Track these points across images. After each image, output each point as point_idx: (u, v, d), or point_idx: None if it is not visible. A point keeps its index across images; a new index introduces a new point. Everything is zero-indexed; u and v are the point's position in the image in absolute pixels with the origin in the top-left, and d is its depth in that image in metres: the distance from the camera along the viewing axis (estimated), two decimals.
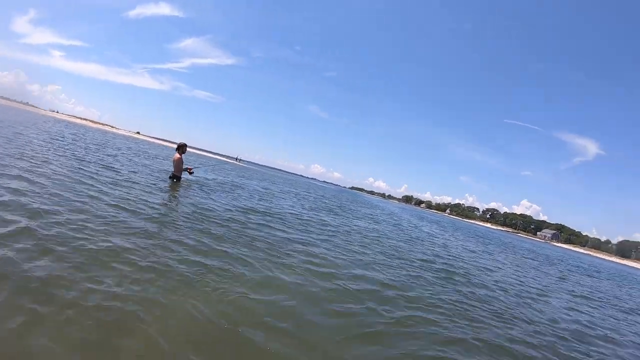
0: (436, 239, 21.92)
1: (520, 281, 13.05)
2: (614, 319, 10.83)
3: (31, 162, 11.37)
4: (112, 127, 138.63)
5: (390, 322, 5.56)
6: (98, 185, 10.40)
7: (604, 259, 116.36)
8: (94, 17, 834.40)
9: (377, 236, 15.38)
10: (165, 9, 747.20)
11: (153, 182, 13.71)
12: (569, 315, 9.47)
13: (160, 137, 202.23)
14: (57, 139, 23.58)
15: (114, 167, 15.27)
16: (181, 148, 14.17)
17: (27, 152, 13.36)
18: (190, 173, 15.49)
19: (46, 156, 13.70)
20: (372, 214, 30.10)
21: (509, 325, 6.96)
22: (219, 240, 7.76)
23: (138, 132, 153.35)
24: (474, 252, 20.17)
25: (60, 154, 15.85)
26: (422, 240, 18.75)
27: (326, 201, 30.94)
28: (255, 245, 8.11)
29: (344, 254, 9.69)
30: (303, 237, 10.60)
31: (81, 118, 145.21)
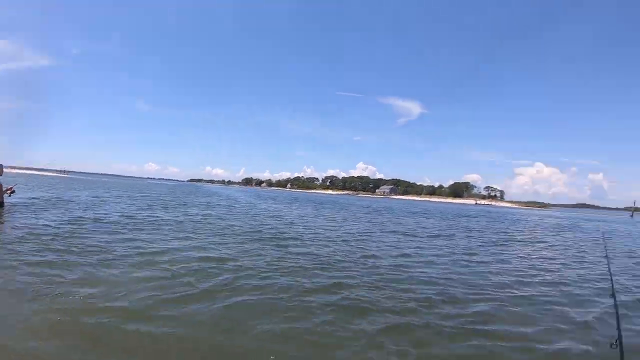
0: (269, 212, 23.96)
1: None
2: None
3: None
4: None
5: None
6: None
7: (439, 202, 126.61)
8: None
9: (208, 220, 16.21)
10: None
11: None
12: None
13: None
14: None
15: None
16: None
17: None
18: (11, 194, 14.14)
19: None
20: (207, 202, 30.75)
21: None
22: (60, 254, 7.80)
23: None
24: (303, 216, 22.04)
25: None
26: (254, 216, 20.44)
27: (163, 199, 30.61)
28: (86, 251, 8.20)
29: (174, 241, 10.27)
30: (135, 235, 10.75)
31: None
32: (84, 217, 13.27)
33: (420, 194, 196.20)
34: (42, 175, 74.05)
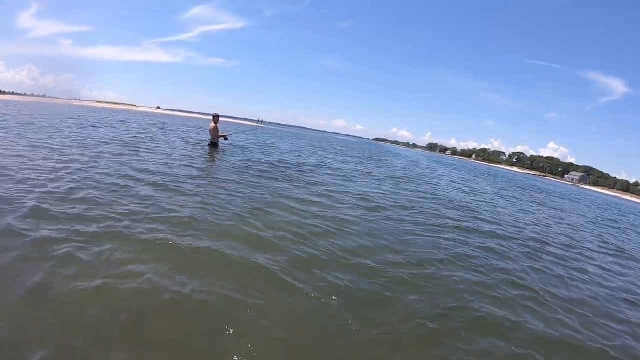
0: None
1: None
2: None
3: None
4: (132, 105, 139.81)
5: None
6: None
7: (630, 200, 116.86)
8: (97, 0, 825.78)
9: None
10: None
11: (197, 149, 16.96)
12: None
13: (179, 109, 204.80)
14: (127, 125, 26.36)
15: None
16: (215, 118, 16.94)
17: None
18: (226, 139, 18.10)
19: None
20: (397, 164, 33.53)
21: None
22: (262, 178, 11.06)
23: (158, 107, 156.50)
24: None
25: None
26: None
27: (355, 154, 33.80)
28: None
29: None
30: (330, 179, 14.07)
31: (100, 102, 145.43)
32: (285, 161, 16.95)
33: (613, 188, 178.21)
34: (243, 124, 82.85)
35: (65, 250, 4.45)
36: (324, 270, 5.08)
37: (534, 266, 7.47)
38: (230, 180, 10.24)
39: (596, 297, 6.35)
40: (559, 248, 9.84)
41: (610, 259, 10.16)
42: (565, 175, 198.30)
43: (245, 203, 8.00)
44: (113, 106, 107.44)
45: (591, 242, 12.21)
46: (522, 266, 7.26)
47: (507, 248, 8.43)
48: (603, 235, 14.65)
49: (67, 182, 7.61)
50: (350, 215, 8.40)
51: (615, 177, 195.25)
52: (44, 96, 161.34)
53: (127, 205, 6.47)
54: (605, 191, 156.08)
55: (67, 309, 3.46)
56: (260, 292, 4.17)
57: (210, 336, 3.38)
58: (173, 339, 3.31)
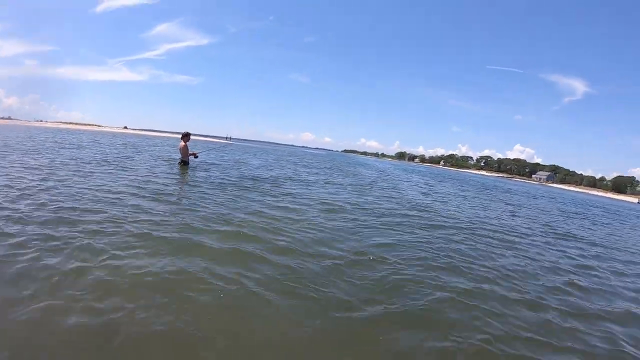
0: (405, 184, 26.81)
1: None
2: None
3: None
4: (98, 125, 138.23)
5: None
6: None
7: (597, 195, 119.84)
8: (62, 19, 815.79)
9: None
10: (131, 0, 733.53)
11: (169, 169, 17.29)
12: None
13: (148, 128, 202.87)
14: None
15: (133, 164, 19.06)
16: (186, 137, 17.37)
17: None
18: (196, 157, 18.41)
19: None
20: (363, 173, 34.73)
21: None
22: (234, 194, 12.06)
23: (125, 127, 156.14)
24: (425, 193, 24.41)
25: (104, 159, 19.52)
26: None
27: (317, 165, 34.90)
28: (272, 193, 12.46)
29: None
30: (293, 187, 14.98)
31: (66, 122, 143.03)
32: (258, 175, 17.87)
33: (580, 185, 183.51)
34: (211, 141, 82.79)
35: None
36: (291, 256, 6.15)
37: (467, 243, 8.88)
38: (200, 194, 10.87)
39: (509, 266, 7.59)
40: (493, 232, 11.24)
41: (543, 239, 11.56)
42: (533, 175, 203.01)
43: (216, 216, 8.39)
44: (78, 127, 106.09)
45: (530, 228, 13.66)
46: (458, 245, 8.56)
47: (444, 234, 9.72)
48: (550, 223, 16.16)
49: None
50: (313, 218, 9.38)
51: (581, 174, 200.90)
52: (9, 118, 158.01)
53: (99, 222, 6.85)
54: (572, 188, 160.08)
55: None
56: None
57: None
58: None
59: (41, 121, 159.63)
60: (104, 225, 6.58)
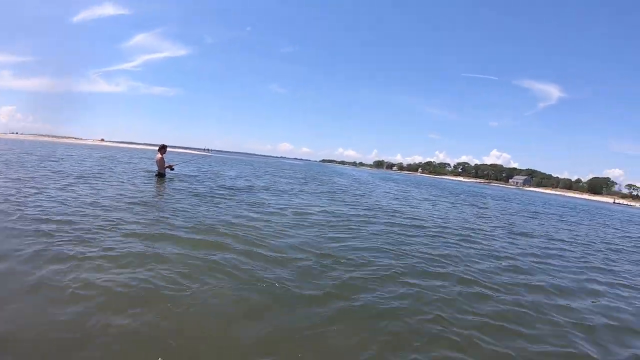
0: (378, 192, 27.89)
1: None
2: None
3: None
4: (75, 138, 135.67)
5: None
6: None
7: (574, 197, 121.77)
8: (38, 30, 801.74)
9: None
10: (109, 9, 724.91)
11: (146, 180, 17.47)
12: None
13: (125, 141, 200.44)
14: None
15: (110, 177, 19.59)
16: (162, 149, 17.33)
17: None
18: (172, 169, 18.57)
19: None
20: (337, 182, 36.08)
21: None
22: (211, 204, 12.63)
23: (102, 139, 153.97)
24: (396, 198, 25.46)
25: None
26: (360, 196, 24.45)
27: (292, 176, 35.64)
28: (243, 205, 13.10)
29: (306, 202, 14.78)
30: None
31: (42, 135, 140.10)
32: (234, 186, 18.53)
33: (556, 187, 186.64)
34: (189, 152, 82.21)
35: None
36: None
37: (427, 241, 9.74)
38: (174, 205, 11.01)
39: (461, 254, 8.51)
40: (458, 230, 12.21)
41: (502, 237, 12.54)
42: (510, 180, 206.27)
43: (192, 224, 8.59)
44: (54, 140, 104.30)
45: (491, 226, 14.69)
46: (419, 240, 9.52)
47: (404, 232, 10.76)
48: (514, 222, 17.22)
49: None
50: (283, 226, 9.71)
51: (557, 177, 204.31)
52: None
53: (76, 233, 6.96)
54: (548, 190, 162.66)
55: None
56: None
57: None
58: None
59: (17, 133, 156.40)
60: (77, 235, 6.78)
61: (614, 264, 10.31)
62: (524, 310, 5.54)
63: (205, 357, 3.59)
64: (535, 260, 9.14)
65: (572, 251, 11.33)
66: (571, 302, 6.22)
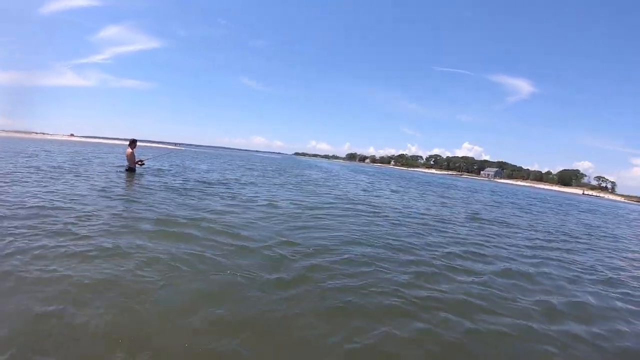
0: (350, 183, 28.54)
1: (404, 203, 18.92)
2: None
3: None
4: (43, 133, 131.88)
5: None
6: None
7: (544, 189, 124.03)
8: (3, 21, 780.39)
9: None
10: (80, 0, 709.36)
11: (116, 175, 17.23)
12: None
13: (96, 135, 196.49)
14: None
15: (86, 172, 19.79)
16: (132, 143, 17.34)
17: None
18: (142, 164, 18.42)
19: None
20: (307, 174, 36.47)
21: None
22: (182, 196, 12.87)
23: (72, 135, 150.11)
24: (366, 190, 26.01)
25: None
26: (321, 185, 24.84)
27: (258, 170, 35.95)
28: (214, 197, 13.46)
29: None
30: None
31: (8, 131, 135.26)
32: (207, 179, 18.88)
33: (527, 179, 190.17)
34: (160, 147, 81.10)
35: None
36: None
37: (388, 226, 10.26)
38: (143, 199, 10.97)
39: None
40: (416, 217, 13.02)
41: (465, 223, 13.18)
42: (481, 172, 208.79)
43: (159, 217, 8.61)
44: (22, 135, 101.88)
45: (452, 214, 15.49)
46: (381, 227, 10.02)
47: (369, 220, 11.30)
48: (478, 211, 18.02)
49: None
50: (251, 217, 9.92)
51: (528, 169, 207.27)
52: None
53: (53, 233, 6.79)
54: (519, 182, 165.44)
55: None
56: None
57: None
58: None
59: None
60: (43, 228, 6.80)
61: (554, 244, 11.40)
62: (480, 287, 6.12)
63: (167, 347, 3.62)
64: (487, 242, 9.97)
65: (522, 234, 12.31)
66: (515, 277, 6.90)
